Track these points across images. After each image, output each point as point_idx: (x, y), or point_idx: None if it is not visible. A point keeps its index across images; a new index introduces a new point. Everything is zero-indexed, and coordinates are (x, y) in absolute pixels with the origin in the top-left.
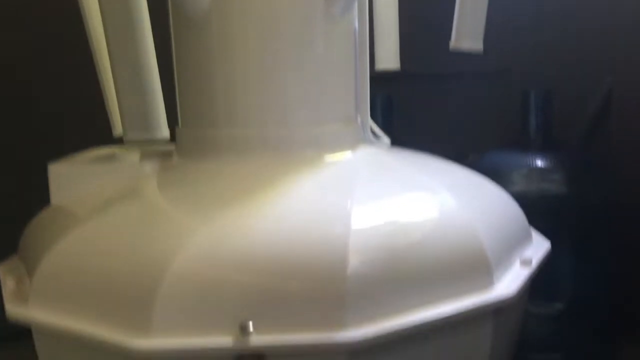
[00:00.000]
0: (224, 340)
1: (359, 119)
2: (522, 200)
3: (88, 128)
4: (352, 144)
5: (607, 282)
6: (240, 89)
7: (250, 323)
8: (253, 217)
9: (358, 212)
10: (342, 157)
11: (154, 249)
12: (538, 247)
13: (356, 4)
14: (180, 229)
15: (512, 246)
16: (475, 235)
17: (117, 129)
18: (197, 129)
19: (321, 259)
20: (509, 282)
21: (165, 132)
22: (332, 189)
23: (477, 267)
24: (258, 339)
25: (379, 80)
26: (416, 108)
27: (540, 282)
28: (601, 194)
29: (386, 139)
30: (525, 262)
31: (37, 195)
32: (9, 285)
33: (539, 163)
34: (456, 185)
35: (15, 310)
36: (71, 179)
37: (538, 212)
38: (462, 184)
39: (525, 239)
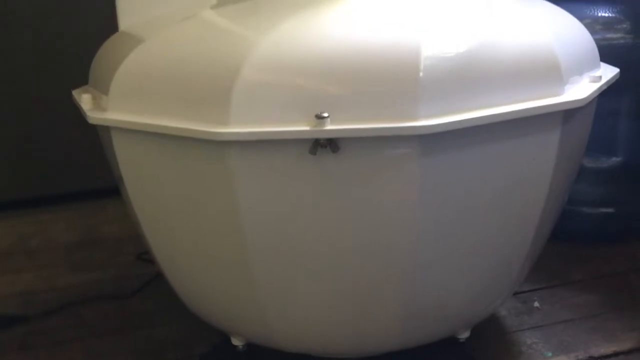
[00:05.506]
0: (301, 126)
1: None
2: None
3: None
4: None
5: None
6: None
7: (326, 113)
8: (318, 26)
9: (431, 14)
10: None
11: (223, 55)
12: (607, 70)
13: None
14: (245, 39)
15: (582, 64)
16: (549, 45)
17: None
18: None
19: (394, 59)
20: (579, 90)
21: None
22: None
23: (549, 73)
24: (334, 125)
25: None
26: None
27: (600, 135)
28: None
29: None
30: (594, 79)
31: None
32: (85, 97)
33: (604, 12)
34: (533, 6)
35: (95, 115)
36: (138, 3)
37: (602, 61)
38: (539, 6)
39: (594, 63)
